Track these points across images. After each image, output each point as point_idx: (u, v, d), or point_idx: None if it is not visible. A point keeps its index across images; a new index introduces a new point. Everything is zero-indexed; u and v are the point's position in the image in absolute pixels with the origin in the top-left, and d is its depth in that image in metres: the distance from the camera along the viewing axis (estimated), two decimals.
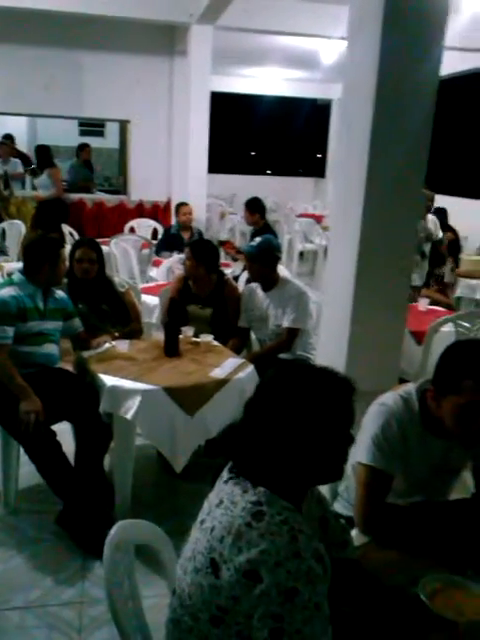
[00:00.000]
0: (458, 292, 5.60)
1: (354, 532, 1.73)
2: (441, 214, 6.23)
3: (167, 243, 6.15)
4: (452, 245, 6.00)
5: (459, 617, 1.37)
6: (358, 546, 1.65)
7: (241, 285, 4.33)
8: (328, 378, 1.27)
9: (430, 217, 5.48)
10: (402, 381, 2.37)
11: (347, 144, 2.30)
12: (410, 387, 1.82)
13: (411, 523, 1.70)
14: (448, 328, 3.72)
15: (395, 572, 1.53)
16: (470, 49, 7.23)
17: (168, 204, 8.63)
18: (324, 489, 2.17)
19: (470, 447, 1.73)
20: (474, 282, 5.52)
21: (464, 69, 8.44)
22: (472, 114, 9.94)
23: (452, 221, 6.60)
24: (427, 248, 5.31)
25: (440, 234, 5.57)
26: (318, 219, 9.70)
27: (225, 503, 1.19)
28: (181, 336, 3.21)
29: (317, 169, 13.23)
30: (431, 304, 4.48)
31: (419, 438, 1.76)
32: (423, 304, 4.41)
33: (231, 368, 2.97)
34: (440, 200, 7.43)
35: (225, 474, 1.26)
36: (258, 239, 3.70)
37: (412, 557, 1.58)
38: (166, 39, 8.23)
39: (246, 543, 1.10)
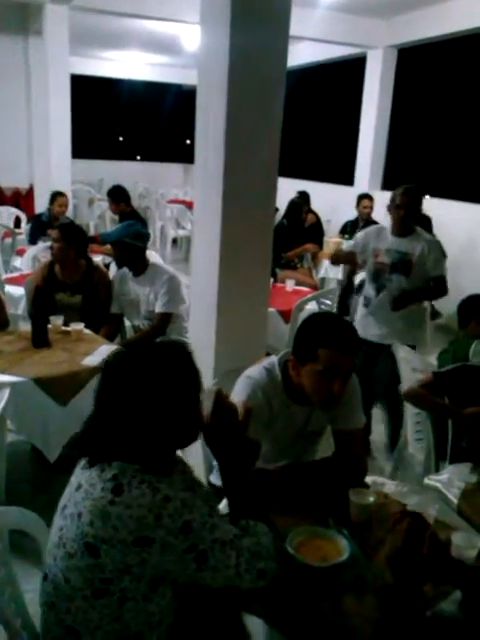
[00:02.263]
0: (322, 273, 5.93)
1: (225, 499, 1.83)
2: (303, 198, 6.51)
3: (40, 230, 5.86)
4: (315, 228, 6.32)
5: (322, 563, 1.51)
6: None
7: (112, 273, 4.28)
8: (164, 349, 1.34)
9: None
10: None
11: (204, 132, 2.35)
12: (273, 359, 1.95)
13: (278, 485, 1.82)
14: (312, 306, 3.96)
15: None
16: (326, 41, 7.59)
17: (31, 190, 8.25)
18: (199, 463, 2.26)
19: (327, 409, 1.89)
20: None
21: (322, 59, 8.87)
22: (323, 102, 10.45)
23: (315, 205, 6.94)
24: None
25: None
26: (189, 205, 9.75)
27: (84, 487, 1.23)
28: (50, 326, 3.13)
29: (186, 155, 13.24)
30: (297, 285, 4.72)
31: (282, 406, 1.89)
32: (289, 285, 4.64)
33: (104, 355, 2.94)
34: (302, 185, 7.81)
35: (82, 460, 1.31)
36: (122, 225, 3.68)
37: (280, 515, 1.70)
38: (19, 17, 7.81)
39: (118, 519, 1.15)
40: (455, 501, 1.85)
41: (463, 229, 6.25)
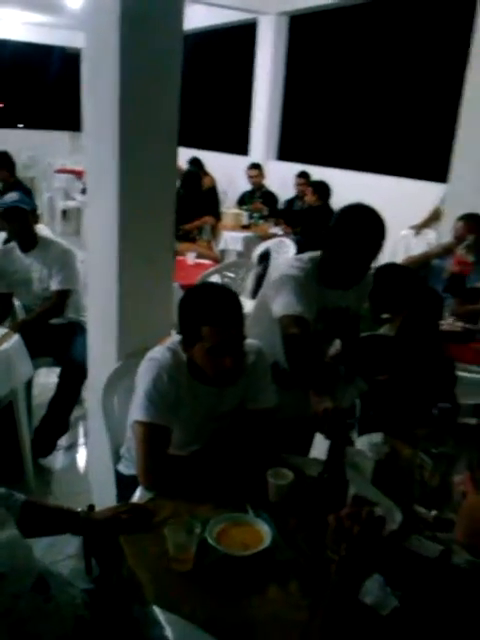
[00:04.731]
0: (221, 245, 5.85)
1: (139, 490, 1.71)
2: (197, 165, 6.36)
3: None
4: (210, 195, 6.20)
5: (244, 551, 1.44)
6: (145, 502, 1.64)
7: None
8: None
9: None
10: None
11: (95, 99, 2.16)
12: (177, 338, 1.84)
13: (191, 472, 1.73)
14: (215, 279, 3.87)
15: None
16: (218, 5, 7.40)
17: None
18: (105, 450, 2.11)
19: (225, 385, 1.81)
20: (235, 234, 5.81)
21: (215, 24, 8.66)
22: (216, 69, 10.25)
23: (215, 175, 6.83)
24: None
25: None
26: (79, 175, 9.24)
27: None
28: None
29: (72, 122, 12.56)
30: (198, 257, 4.61)
31: (189, 387, 1.79)
32: (190, 258, 4.52)
33: None
34: (197, 154, 7.64)
35: None
36: (13, 194, 3.37)
37: (196, 504, 1.61)
38: None
39: None
40: (370, 473, 1.84)
41: (356, 198, 6.38)
